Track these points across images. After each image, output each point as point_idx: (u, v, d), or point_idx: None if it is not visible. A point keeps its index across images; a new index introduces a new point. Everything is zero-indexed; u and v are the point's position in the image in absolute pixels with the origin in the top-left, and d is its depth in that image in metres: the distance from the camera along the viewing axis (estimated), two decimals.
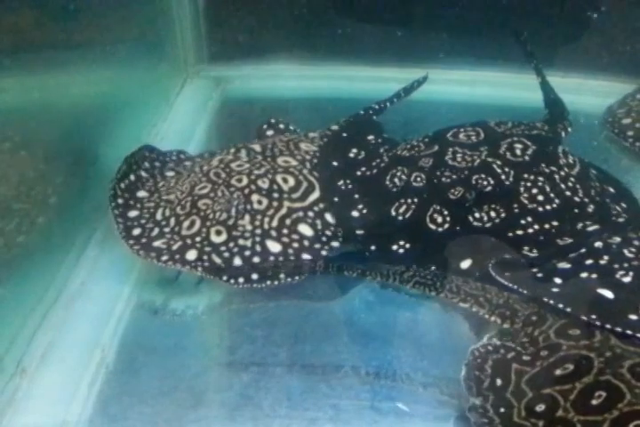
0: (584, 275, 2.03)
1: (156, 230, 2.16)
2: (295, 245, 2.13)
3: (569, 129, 2.80)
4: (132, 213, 2.23)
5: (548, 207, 2.26)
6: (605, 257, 2.08)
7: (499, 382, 1.72)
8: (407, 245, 2.16)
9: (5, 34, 2.11)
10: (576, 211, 2.30)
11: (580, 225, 2.26)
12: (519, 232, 2.20)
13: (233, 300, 2.15)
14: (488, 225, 2.20)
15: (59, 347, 1.99)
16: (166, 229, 2.14)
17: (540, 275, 2.06)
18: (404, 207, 2.28)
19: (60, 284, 2.17)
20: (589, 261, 2.08)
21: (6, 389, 1.87)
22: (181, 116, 3.21)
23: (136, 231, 2.16)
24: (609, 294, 1.94)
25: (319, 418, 1.81)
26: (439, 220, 2.20)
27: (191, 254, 2.05)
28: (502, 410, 1.64)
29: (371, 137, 2.74)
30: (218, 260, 2.05)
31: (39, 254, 2.08)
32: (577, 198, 2.34)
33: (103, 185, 2.36)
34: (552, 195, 2.29)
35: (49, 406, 1.86)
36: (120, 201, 2.25)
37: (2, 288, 1.92)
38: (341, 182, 2.40)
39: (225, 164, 2.33)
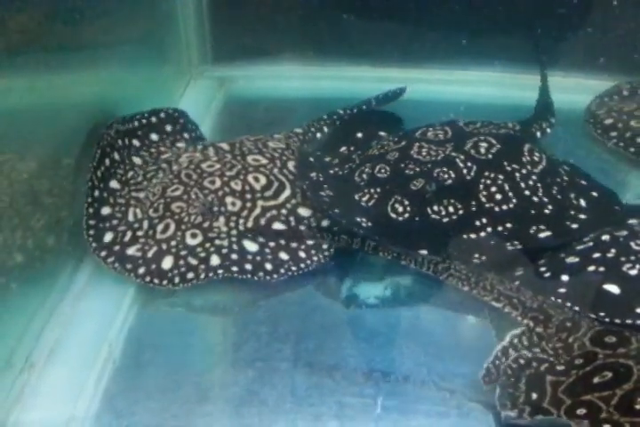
0: (591, 268, 2.05)
1: (129, 234, 2.15)
2: (272, 244, 2.15)
3: (547, 130, 2.86)
4: (105, 211, 2.23)
5: (504, 207, 2.29)
6: (612, 250, 2.09)
7: (534, 395, 1.70)
8: (369, 224, 2.23)
9: (11, 34, 2.13)
10: (533, 212, 2.32)
11: (532, 229, 2.26)
12: (472, 235, 2.23)
13: (238, 297, 2.17)
14: (445, 220, 2.26)
15: (66, 343, 2.02)
16: (139, 233, 2.15)
17: (547, 273, 2.09)
18: (367, 196, 2.35)
19: (67, 281, 2.19)
20: (597, 255, 2.10)
21: (15, 384, 1.89)
22: None
23: (108, 237, 2.15)
24: (615, 289, 1.96)
25: (324, 414, 1.83)
26: (400, 209, 2.27)
27: (167, 262, 2.06)
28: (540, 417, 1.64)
29: (359, 135, 2.79)
30: (194, 261, 2.06)
31: (47, 252, 2.09)
32: (535, 198, 2.35)
33: None
34: (510, 194, 2.33)
35: (57, 401, 1.88)
36: (96, 194, 2.23)
37: (11, 286, 1.95)
38: (314, 174, 2.43)
39: (195, 164, 2.33)
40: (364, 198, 2.35)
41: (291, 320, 2.08)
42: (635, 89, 3.15)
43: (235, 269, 2.05)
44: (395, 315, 2.14)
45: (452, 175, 2.33)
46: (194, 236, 2.12)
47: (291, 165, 2.46)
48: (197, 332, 2.09)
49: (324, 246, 2.19)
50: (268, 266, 2.09)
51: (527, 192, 2.36)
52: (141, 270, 2.05)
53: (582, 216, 2.33)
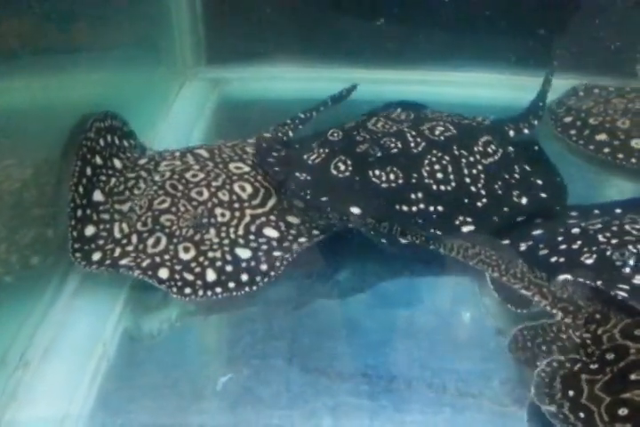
0: (553, 259, 2.11)
1: (118, 251, 2.10)
2: (264, 247, 2.15)
3: (525, 130, 2.88)
4: (89, 231, 2.15)
5: (442, 188, 2.36)
6: (578, 242, 2.14)
7: (571, 393, 1.72)
8: (308, 178, 2.31)
9: (6, 38, 2.14)
10: (466, 201, 2.37)
11: (459, 220, 2.31)
12: (404, 208, 2.29)
13: (233, 295, 2.16)
14: (384, 185, 2.33)
15: (61, 342, 2.01)
16: (129, 248, 2.09)
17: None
18: (314, 155, 2.45)
19: (61, 280, 2.19)
20: (563, 246, 2.16)
21: (9, 382, 1.90)
22: (180, 118, 3.25)
23: (96, 256, 2.09)
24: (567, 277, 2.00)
25: (319, 410, 1.84)
26: (342, 168, 2.36)
27: (163, 273, 2.03)
28: (582, 415, 1.66)
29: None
30: (190, 277, 2.03)
31: (41, 250, 2.09)
32: (473, 188, 2.40)
33: None
34: (451, 177, 2.39)
35: (51, 399, 1.88)
36: (79, 213, 2.15)
37: (5, 284, 1.96)
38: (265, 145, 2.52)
39: (178, 174, 2.29)
40: (312, 157, 2.45)
41: (286, 318, 2.09)
42: (590, 89, 3.22)
43: (232, 285, 2.02)
44: (389, 314, 2.15)
45: (399, 146, 2.41)
46: (186, 250, 2.08)
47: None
48: (192, 330, 2.08)
49: (315, 232, 2.20)
50: (264, 267, 2.09)
51: (468, 180, 2.41)
52: (137, 272, 2.02)
53: (516, 215, 2.38)
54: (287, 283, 2.17)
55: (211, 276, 2.04)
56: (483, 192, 2.41)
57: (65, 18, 2.50)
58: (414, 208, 2.30)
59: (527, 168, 2.62)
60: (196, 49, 3.61)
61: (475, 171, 2.44)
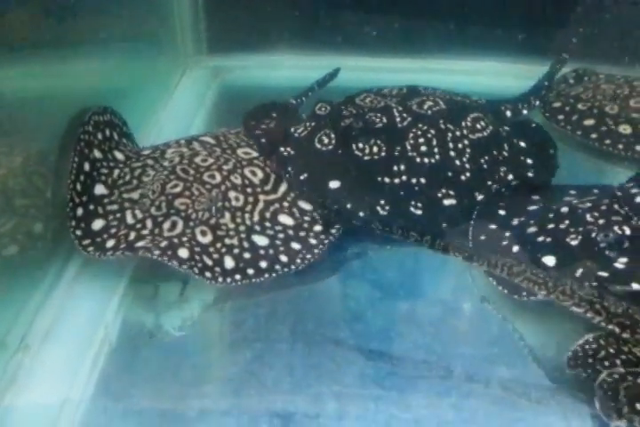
0: (540, 239, 2.09)
1: (133, 234, 2.04)
2: (281, 235, 2.12)
3: (524, 111, 2.90)
4: (97, 225, 2.09)
5: (425, 160, 2.37)
6: (566, 221, 2.12)
7: (639, 406, 1.68)
8: (291, 152, 2.38)
9: (9, 29, 2.11)
10: (450, 174, 2.38)
11: (440, 193, 2.33)
12: (386, 180, 2.32)
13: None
14: (366, 158, 2.36)
15: (62, 325, 1.99)
16: (145, 232, 2.04)
17: (504, 242, 2.13)
18: (301, 129, 2.51)
19: (63, 262, 2.17)
20: (551, 226, 2.14)
21: (9, 365, 1.87)
22: (181, 106, 3.23)
23: (110, 243, 2.03)
24: (551, 260, 2.00)
25: (323, 393, 1.82)
26: (325, 141, 2.42)
27: (183, 253, 1.98)
28: None
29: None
30: (209, 261, 2.00)
31: (42, 232, 2.08)
32: (458, 162, 2.41)
33: None
34: (436, 150, 2.40)
35: (52, 383, 1.86)
36: (79, 212, 2.10)
37: (5, 266, 1.94)
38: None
39: (188, 159, 2.27)
40: (299, 130, 2.51)
41: (290, 301, 2.07)
42: (580, 76, 3.20)
43: (251, 272, 2.00)
44: (393, 298, 2.13)
45: (384, 120, 2.44)
46: (203, 233, 2.05)
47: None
48: (195, 313, 2.05)
49: (333, 230, 2.18)
50: (284, 258, 2.06)
51: (452, 153, 2.42)
52: (157, 252, 1.96)
53: (501, 189, 2.39)
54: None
55: (229, 263, 2.00)
56: (467, 166, 2.42)
57: (66, 8, 2.47)
58: (396, 180, 2.32)
59: (521, 146, 2.61)
60: (196, 38, 3.59)
61: (460, 145, 2.45)
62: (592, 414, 1.75)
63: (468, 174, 2.40)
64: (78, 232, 2.07)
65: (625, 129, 2.77)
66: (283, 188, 2.29)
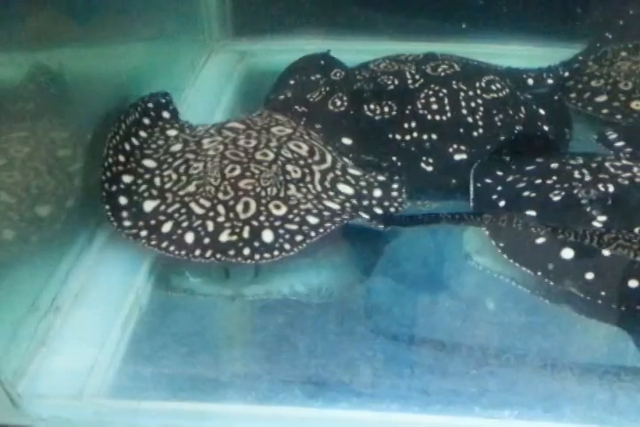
0: (526, 193, 2.09)
1: (211, 224, 1.98)
2: (347, 204, 2.12)
3: (548, 80, 2.86)
4: (166, 227, 2.00)
5: (437, 117, 2.42)
6: (554, 177, 2.11)
7: None
8: (305, 110, 2.52)
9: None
10: (461, 130, 2.40)
11: (451, 148, 2.36)
12: (397, 137, 2.39)
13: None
14: (377, 118, 2.43)
15: (93, 288, 1.99)
16: (220, 219, 1.99)
17: (494, 196, 2.14)
18: (316, 93, 2.62)
19: (95, 227, 2.17)
20: (539, 181, 2.12)
21: (39, 327, 1.86)
22: (206, 87, 3.21)
23: (189, 237, 1.96)
24: (532, 215, 2.00)
25: (356, 359, 1.79)
26: (338, 103, 2.51)
27: (267, 236, 1.95)
28: None
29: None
30: (293, 226, 1.98)
31: (75, 199, 2.08)
32: (470, 119, 2.43)
33: None
34: (447, 108, 2.43)
35: (82, 345, 1.84)
36: (144, 234, 1.99)
37: (37, 229, 1.92)
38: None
39: (232, 144, 2.24)
40: (314, 95, 2.61)
41: (324, 269, 2.04)
42: (599, 58, 3.08)
43: (337, 219, 2.01)
44: (436, 271, 2.09)
45: (396, 82, 2.50)
46: (277, 207, 2.04)
47: (312, 131, 2.45)
48: (226, 280, 2.02)
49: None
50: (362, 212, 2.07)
51: (464, 111, 2.44)
52: (246, 251, 1.90)
53: (513, 146, 2.37)
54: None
55: (313, 220, 2.01)
56: (480, 123, 2.43)
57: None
58: (407, 137, 2.38)
59: (540, 113, 2.60)
60: (222, 22, 3.57)
61: (473, 104, 2.47)
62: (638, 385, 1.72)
63: (480, 131, 2.42)
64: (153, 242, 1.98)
65: (637, 105, 2.72)
66: (329, 157, 2.30)
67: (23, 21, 2.05)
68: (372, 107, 2.44)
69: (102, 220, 2.17)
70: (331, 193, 2.15)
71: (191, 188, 2.12)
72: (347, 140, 2.38)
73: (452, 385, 1.73)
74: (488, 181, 2.23)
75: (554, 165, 2.18)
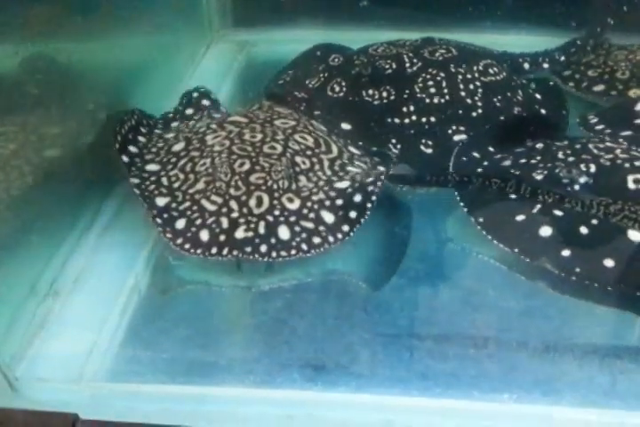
0: (510, 171, 2.10)
1: (225, 221, 1.94)
2: (357, 177, 2.11)
3: (544, 65, 2.87)
4: (180, 224, 1.95)
5: (435, 100, 2.44)
6: (538, 157, 2.13)
7: None
8: (305, 96, 2.55)
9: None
10: (460, 112, 2.43)
11: (450, 129, 2.39)
12: (396, 120, 2.41)
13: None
14: (376, 102, 2.45)
15: (92, 272, 1.99)
16: (234, 215, 1.95)
17: (479, 170, 2.16)
18: (315, 79, 2.67)
19: (94, 211, 2.17)
20: (523, 160, 2.15)
21: (38, 311, 1.86)
22: (206, 76, 3.18)
23: (204, 235, 1.91)
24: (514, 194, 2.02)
25: (355, 343, 1.78)
26: (337, 89, 2.55)
27: (284, 232, 1.91)
28: None
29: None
30: (309, 224, 1.95)
31: (75, 182, 2.08)
32: (469, 100, 2.46)
33: None
34: (445, 91, 2.46)
35: (80, 329, 1.85)
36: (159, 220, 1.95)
37: (37, 212, 1.92)
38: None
39: (238, 138, 2.19)
40: (313, 81, 2.66)
41: (322, 253, 2.00)
42: (595, 47, 3.08)
43: (353, 215, 1.97)
44: (434, 254, 2.08)
45: (394, 66, 2.52)
46: (290, 200, 2.00)
47: (313, 120, 2.43)
48: (226, 263, 1.98)
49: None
50: (370, 188, 2.03)
51: (463, 93, 2.47)
52: (263, 248, 1.88)
53: (511, 126, 2.41)
54: None
55: (329, 217, 1.97)
56: (479, 104, 2.46)
57: None
58: (406, 120, 2.40)
59: (537, 97, 2.62)
60: (222, 12, 3.57)
61: (471, 86, 2.49)
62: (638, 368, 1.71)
63: (479, 111, 2.44)
64: (169, 235, 1.92)
65: (635, 93, 2.72)
66: (335, 147, 2.27)
67: (25, 13, 2.05)
68: (370, 92, 2.46)
69: (102, 204, 2.19)
70: (341, 174, 2.14)
71: (200, 185, 2.07)
72: (346, 126, 2.40)
73: (451, 369, 1.72)
74: (476, 155, 2.25)
75: (539, 146, 2.21)
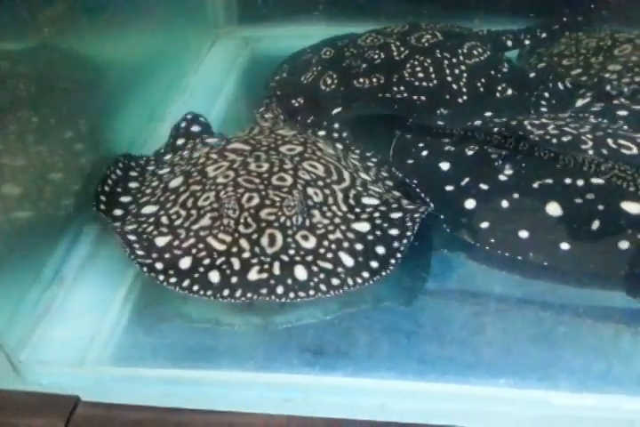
0: (446, 148, 2.17)
1: (237, 262, 1.80)
2: (376, 215, 1.96)
3: (525, 42, 2.97)
4: (185, 263, 1.82)
5: (423, 84, 2.55)
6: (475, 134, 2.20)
7: None
8: (301, 101, 2.63)
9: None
10: (447, 97, 2.53)
11: (439, 111, 2.48)
12: (387, 95, 2.52)
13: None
14: (367, 86, 2.56)
15: (96, 259, 2.03)
16: (246, 255, 1.81)
17: (420, 145, 2.23)
18: (309, 74, 2.73)
19: None
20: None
21: (43, 297, 1.90)
22: (210, 72, 3.24)
23: (214, 277, 1.78)
24: (445, 166, 2.11)
25: (353, 328, 1.81)
26: (329, 82, 2.63)
27: (300, 273, 1.78)
28: None
29: None
30: (328, 265, 1.81)
31: (78, 172, 2.12)
32: (455, 86, 2.57)
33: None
34: (432, 76, 2.57)
35: (85, 315, 1.89)
36: (159, 266, 1.81)
37: (42, 202, 1.96)
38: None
39: (243, 169, 2.02)
40: (307, 76, 2.73)
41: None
42: (550, 34, 3.14)
43: (375, 265, 1.82)
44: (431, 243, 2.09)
45: (382, 56, 2.63)
46: (305, 238, 1.86)
47: (321, 145, 2.23)
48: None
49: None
50: (394, 231, 1.90)
51: (449, 79, 2.58)
52: (279, 290, 1.74)
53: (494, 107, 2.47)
54: None
55: (348, 261, 1.83)
56: (464, 90, 2.57)
57: None
58: (398, 96, 2.51)
59: (517, 73, 2.73)
60: (227, 8, 3.61)
61: (457, 71, 2.60)
62: (632, 352, 1.72)
63: (465, 97, 2.54)
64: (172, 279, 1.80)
65: (609, 74, 2.74)
66: (346, 174, 2.10)
67: (37, 12, 2.12)
68: (361, 80, 2.56)
69: None
70: (357, 210, 1.98)
71: (205, 221, 1.91)
72: (337, 110, 2.49)
73: (448, 354, 1.74)
74: (422, 129, 2.33)
75: (477, 122, 2.28)
